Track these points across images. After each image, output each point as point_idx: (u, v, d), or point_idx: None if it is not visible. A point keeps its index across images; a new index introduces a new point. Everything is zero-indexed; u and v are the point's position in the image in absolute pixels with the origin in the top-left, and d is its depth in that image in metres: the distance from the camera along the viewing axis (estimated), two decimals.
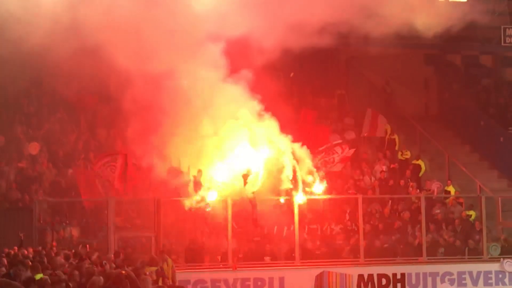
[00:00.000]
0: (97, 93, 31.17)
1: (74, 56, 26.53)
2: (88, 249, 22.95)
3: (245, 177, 27.83)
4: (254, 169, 28.15)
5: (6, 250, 20.30)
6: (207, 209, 27.47)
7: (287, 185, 27.94)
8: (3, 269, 16.26)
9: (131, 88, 27.59)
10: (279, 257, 27.98)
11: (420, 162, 32.75)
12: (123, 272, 17.58)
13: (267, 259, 27.64)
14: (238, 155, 28.34)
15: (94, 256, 20.37)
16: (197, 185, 27.63)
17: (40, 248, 22.38)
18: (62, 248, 23.20)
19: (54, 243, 24.88)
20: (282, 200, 28.11)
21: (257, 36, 27.79)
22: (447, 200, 30.95)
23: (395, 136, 34.20)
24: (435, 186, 31.94)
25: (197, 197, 27.45)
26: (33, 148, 30.26)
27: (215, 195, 27.51)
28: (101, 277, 15.08)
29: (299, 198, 27.68)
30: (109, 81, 27.74)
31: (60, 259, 18.74)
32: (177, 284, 23.00)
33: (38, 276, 14.48)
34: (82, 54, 26.65)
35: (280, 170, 28.26)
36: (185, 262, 27.01)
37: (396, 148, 33.90)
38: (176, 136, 28.20)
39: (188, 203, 27.31)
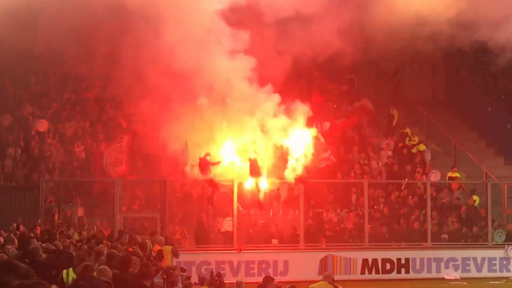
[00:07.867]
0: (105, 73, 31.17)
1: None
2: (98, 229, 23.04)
3: (252, 161, 27.85)
4: (260, 153, 28.20)
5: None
6: None
7: (292, 169, 27.98)
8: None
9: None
10: (284, 241, 28.04)
11: (421, 146, 32.75)
12: (131, 249, 17.73)
13: (274, 241, 27.68)
14: (246, 139, 28.37)
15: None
16: (205, 167, 27.59)
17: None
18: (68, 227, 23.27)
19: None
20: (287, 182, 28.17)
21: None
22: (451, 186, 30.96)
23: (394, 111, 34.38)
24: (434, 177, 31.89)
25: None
26: (41, 126, 30.21)
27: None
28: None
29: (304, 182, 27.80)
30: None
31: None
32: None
33: None
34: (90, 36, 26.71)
35: (286, 154, 28.29)
36: (195, 244, 27.09)
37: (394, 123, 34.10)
38: (183, 117, 28.16)
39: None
